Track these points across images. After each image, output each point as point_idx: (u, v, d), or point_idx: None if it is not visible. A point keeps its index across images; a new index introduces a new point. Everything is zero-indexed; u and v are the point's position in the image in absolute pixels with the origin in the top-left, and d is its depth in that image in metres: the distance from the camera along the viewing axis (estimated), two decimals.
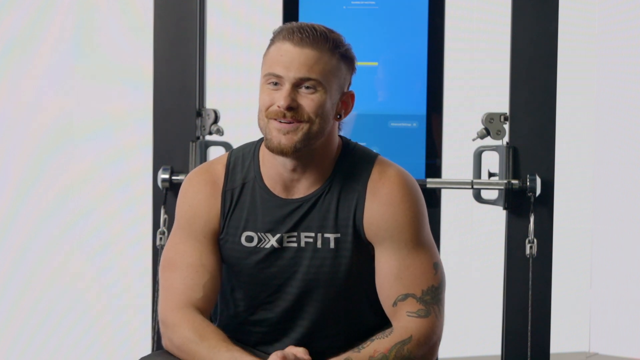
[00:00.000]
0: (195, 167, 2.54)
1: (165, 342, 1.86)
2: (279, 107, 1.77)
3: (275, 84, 1.79)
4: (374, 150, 1.93)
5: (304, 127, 1.78)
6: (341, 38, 1.83)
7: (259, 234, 1.87)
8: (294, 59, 1.77)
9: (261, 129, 1.82)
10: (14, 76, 3.36)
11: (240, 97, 3.39)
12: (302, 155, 1.82)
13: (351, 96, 1.88)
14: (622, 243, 3.80)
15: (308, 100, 1.78)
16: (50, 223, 3.37)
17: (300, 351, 1.77)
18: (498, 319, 2.59)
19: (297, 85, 1.78)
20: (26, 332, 3.39)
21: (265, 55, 1.83)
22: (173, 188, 2.54)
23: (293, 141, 1.78)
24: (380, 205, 1.84)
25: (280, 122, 1.78)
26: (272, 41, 1.82)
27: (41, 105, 3.35)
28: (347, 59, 1.84)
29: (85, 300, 3.40)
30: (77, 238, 3.38)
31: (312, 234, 1.85)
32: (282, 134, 1.78)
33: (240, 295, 1.92)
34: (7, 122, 3.36)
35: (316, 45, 1.78)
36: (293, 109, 1.77)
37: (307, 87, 1.78)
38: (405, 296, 1.82)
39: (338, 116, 1.85)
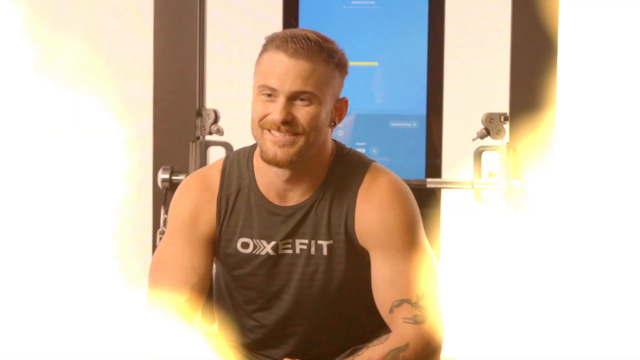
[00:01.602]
0: (195, 167, 2.55)
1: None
2: (273, 120, 1.75)
3: (269, 95, 1.75)
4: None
5: (300, 140, 1.76)
6: (335, 46, 1.79)
7: (254, 240, 1.86)
8: (289, 71, 1.73)
9: (255, 138, 1.80)
10: (13, 76, 3.35)
11: (241, 97, 3.37)
12: (297, 165, 1.80)
13: (345, 102, 1.85)
14: (622, 243, 3.79)
15: (303, 113, 1.75)
16: (50, 223, 3.37)
17: None
18: None
19: (291, 98, 1.74)
20: (26, 332, 3.38)
21: (258, 63, 1.79)
22: (173, 188, 2.54)
23: (289, 154, 1.76)
24: (370, 212, 1.83)
25: (275, 135, 1.76)
26: (265, 48, 1.78)
27: (42, 105, 3.35)
28: (341, 66, 1.80)
29: (85, 300, 3.39)
30: (77, 238, 3.37)
31: (306, 241, 1.84)
32: (278, 147, 1.76)
33: (239, 300, 1.92)
34: (7, 122, 3.36)
35: (311, 56, 1.74)
36: (288, 123, 1.74)
37: (302, 100, 1.75)
38: (400, 302, 1.81)
39: (332, 123, 1.83)
